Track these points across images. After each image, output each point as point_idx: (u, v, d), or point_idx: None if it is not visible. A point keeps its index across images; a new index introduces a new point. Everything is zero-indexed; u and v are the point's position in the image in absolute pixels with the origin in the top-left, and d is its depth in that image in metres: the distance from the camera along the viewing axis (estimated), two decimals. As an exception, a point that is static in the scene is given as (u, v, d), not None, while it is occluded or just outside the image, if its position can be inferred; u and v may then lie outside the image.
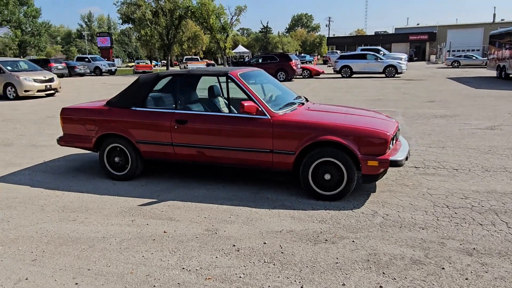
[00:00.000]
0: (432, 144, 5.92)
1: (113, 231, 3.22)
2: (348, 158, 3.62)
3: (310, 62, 54.34)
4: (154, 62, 62.80)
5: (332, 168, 3.70)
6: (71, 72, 31.13)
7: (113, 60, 65.28)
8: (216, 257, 2.77)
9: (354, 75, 22.61)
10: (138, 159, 4.40)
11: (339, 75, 22.69)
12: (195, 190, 4.18)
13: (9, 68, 15.17)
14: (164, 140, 4.22)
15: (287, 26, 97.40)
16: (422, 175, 4.49)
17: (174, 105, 4.25)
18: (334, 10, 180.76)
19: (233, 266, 2.64)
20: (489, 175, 4.43)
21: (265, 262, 2.69)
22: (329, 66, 27.50)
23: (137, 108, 4.35)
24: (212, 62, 58.49)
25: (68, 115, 4.66)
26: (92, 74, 33.59)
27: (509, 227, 3.12)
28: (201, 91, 4.90)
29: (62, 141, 4.77)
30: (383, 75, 21.43)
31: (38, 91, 14.86)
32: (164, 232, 3.19)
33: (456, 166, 4.80)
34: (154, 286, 2.43)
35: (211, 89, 4.55)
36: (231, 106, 4.33)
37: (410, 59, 44.77)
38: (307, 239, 3.01)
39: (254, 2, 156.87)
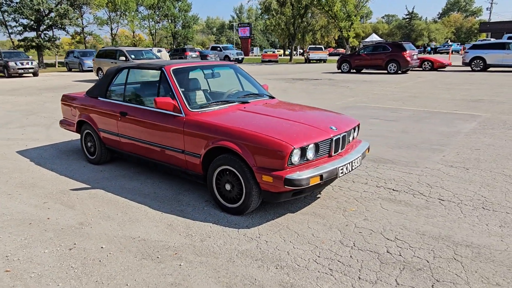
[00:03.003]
0: (459, 163, 4.56)
1: (16, 210, 3.54)
2: (245, 169, 3.12)
3: (458, 52, 47.56)
4: (288, 51, 64.06)
5: (234, 178, 3.25)
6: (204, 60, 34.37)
7: (252, 49, 69.31)
8: (45, 252, 2.79)
9: (490, 69, 18.80)
10: (101, 146, 4.67)
11: (469, 68, 19.17)
12: (132, 182, 4.22)
13: (133, 56, 17.67)
14: (113, 130, 4.38)
15: (440, 11, 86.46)
16: (384, 201, 3.54)
17: (122, 98, 4.35)
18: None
19: (42, 264, 2.62)
20: (477, 214, 3.21)
21: (71, 267, 2.58)
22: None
23: (101, 99, 4.61)
24: (343, 51, 56.62)
25: (64, 101, 5.24)
26: (222, 62, 36.40)
27: (390, 292, 2.24)
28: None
29: (60, 123, 5.41)
30: (529, 70, 17.22)
31: (151, 77, 16.98)
32: (48, 219, 3.35)
33: (449, 196, 3.62)
34: (-36, 267, 2.61)
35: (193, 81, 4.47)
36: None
37: None
38: (142, 252, 2.75)
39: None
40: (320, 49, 35.33)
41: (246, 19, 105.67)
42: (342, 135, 3.37)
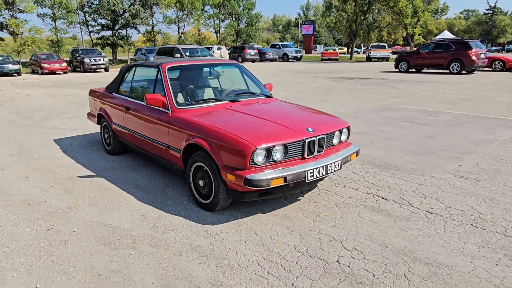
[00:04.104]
0: (472, 174, 4.15)
1: (25, 191, 3.95)
2: (214, 166, 3.17)
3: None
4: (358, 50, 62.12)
5: (206, 175, 3.32)
6: (262, 57, 34.59)
7: (315, 47, 68.28)
8: (26, 230, 3.10)
9: None
10: (115, 138, 5.01)
11: (549, 69, 17.06)
12: (134, 173, 4.48)
13: (187, 54, 18.48)
14: (121, 123, 4.67)
15: (531, 5, 77.48)
16: (364, 209, 3.36)
17: (128, 94, 4.62)
18: None
19: (18, 241, 2.92)
20: (460, 231, 2.92)
21: (40, 246, 2.84)
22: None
23: (114, 94, 4.94)
24: (409, 49, 53.66)
25: (90, 95, 5.69)
26: (280, 59, 36.42)
27: (315, 302, 2.15)
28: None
29: (87, 115, 5.88)
30: None
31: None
32: (45, 201, 3.70)
33: (439, 209, 3.33)
34: (-41, 237, 3.01)
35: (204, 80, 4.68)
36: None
37: None
38: (105, 238, 2.94)
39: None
40: (383, 47, 33.74)
41: (312, 16, 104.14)
42: (318, 137, 3.26)
